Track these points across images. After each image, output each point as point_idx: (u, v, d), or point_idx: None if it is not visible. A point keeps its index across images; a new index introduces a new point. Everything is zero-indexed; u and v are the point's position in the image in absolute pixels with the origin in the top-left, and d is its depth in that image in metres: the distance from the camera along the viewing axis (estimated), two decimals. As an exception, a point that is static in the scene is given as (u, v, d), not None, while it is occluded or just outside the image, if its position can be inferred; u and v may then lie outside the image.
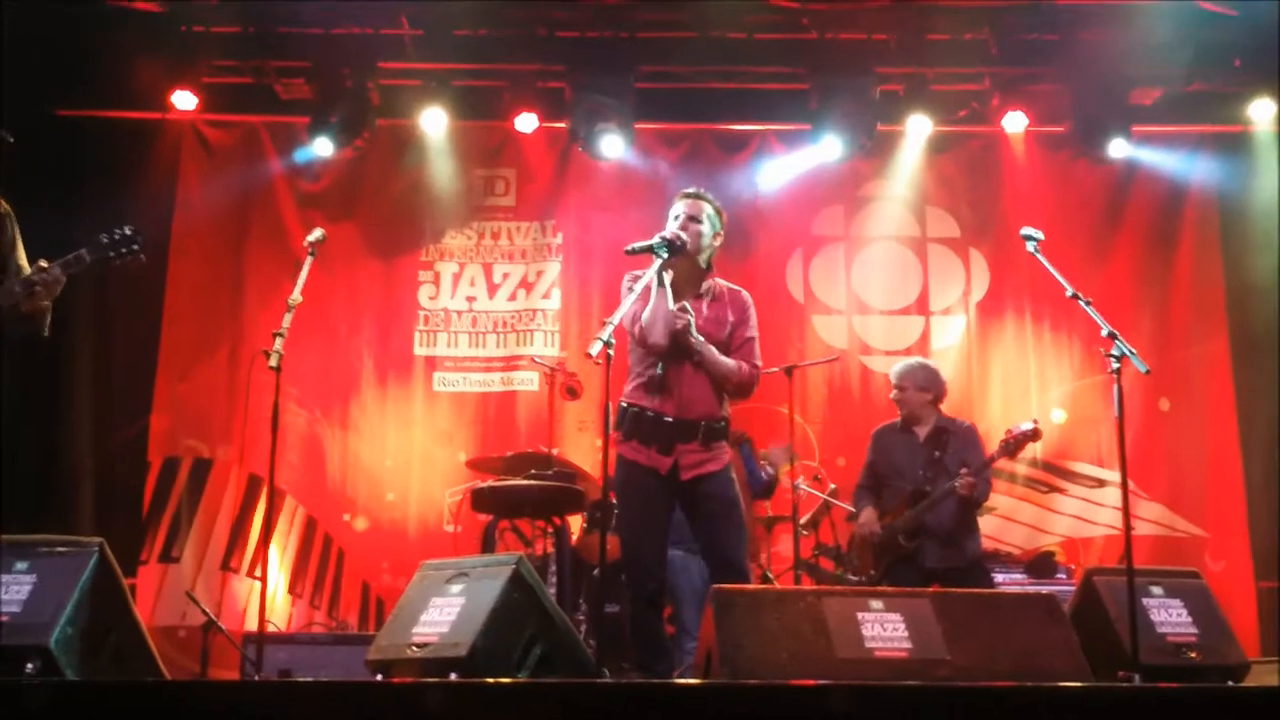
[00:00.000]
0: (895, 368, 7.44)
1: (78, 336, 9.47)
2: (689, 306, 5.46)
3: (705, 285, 5.62)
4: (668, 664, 5.42)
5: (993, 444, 7.22)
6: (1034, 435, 7.05)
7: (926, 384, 7.21)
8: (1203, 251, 10.16)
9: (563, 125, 9.88)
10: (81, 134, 9.64)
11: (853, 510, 7.50)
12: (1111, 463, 9.58)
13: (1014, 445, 7.06)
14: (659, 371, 5.41)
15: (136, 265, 5.58)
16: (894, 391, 7.28)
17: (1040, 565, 8.53)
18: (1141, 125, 9.88)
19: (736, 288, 5.75)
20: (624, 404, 5.53)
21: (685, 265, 5.54)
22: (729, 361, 5.49)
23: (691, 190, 5.75)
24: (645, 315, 5.38)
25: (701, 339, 5.43)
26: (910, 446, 7.15)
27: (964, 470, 6.83)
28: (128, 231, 5.51)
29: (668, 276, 5.42)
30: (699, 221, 5.58)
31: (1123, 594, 5.08)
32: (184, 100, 9.67)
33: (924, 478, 6.99)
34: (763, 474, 7.89)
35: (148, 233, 5.64)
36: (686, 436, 5.41)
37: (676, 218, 5.60)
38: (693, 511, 5.57)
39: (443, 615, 4.97)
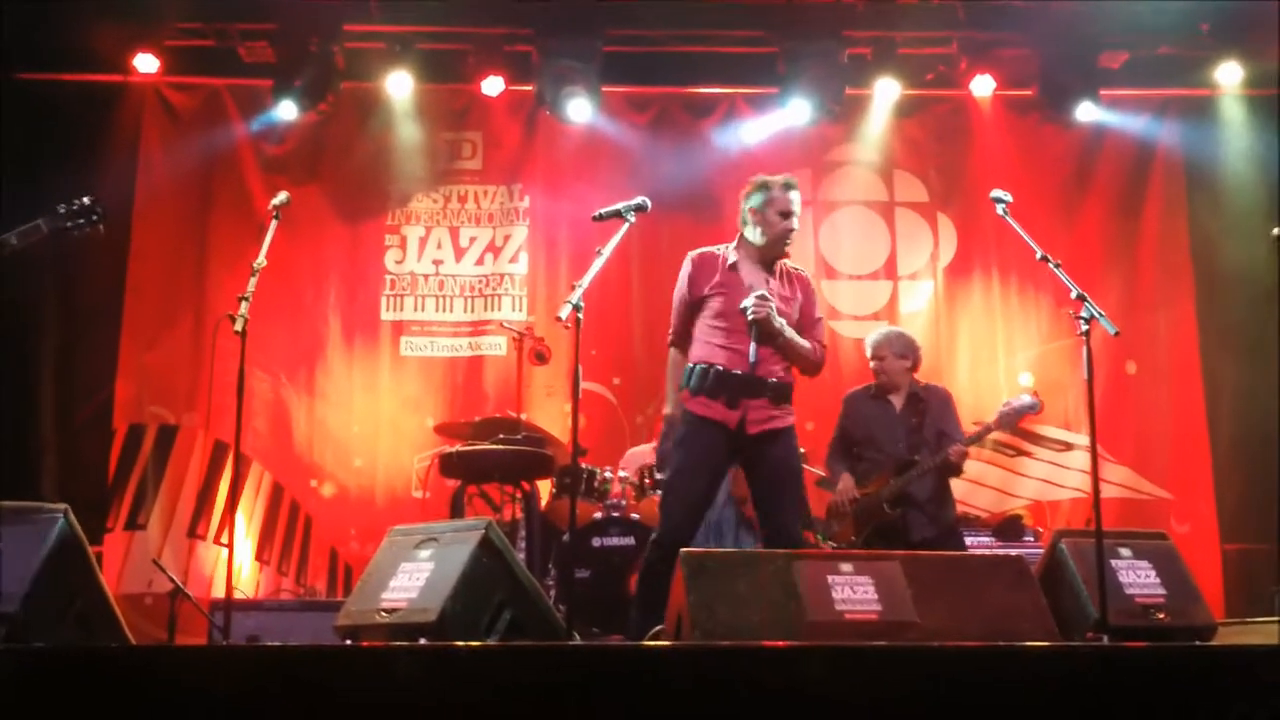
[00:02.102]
0: (872, 337, 7.32)
1: (41, 302, 9.37)
2: (768, 294, 5.60)
3: (777, 266, 5.80)
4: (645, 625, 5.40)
5: (975, 414, 7.16)
6: (1035, 408, 6.98)
7: (905, 351, 7.13)
8: (1169, 215, 10.20)
9: (529, 89, 9.83)
10: (41, 97, 9.49)
11: (823, 475, 7.46)
12: (1078, 426, 9.64)
13: (1012, 418, 6.99)
14: (726, 329, 5.59)
15: (95, 236, 5.52)
16: (873, 361, 7.17)
17: (1008, 528, 8.55)
18: (1109, 89, 9.91)
19: (800, 268, 5.94)
20: (690, 366, 5.66)
21: (770, 255, 5.80)
22: (805, 343, 5.69)
23: (790, 179, 5.97)
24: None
25: (783, 322, 5.60)
26: (886, 416, 7.07)
27: (954, 447, 6.79)
28: (86, 202, 5.46)
29: (751, 301, 5.58)
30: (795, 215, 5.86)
31: (1091, 556, 5.10)
32: (146, 63, 9.57)
33: (903, 449, 6.94)
34: None
35: (110, 197, 5.60)
36: (755, 392, 5.54)
37: (787, 216, 5.83)
38: (755, 473, 5.69)
39: (412, 581, 4.96)
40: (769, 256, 5.79)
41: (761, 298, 5.55)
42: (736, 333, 5.59)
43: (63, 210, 5.40)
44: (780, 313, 5.62)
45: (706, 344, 5.67)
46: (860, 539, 6.96)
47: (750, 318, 5.54)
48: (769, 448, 5.56)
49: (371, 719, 3.40)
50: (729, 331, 5.60)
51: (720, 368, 5.56)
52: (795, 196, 5.85)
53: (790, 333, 5.62)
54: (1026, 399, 6.96)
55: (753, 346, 5.54)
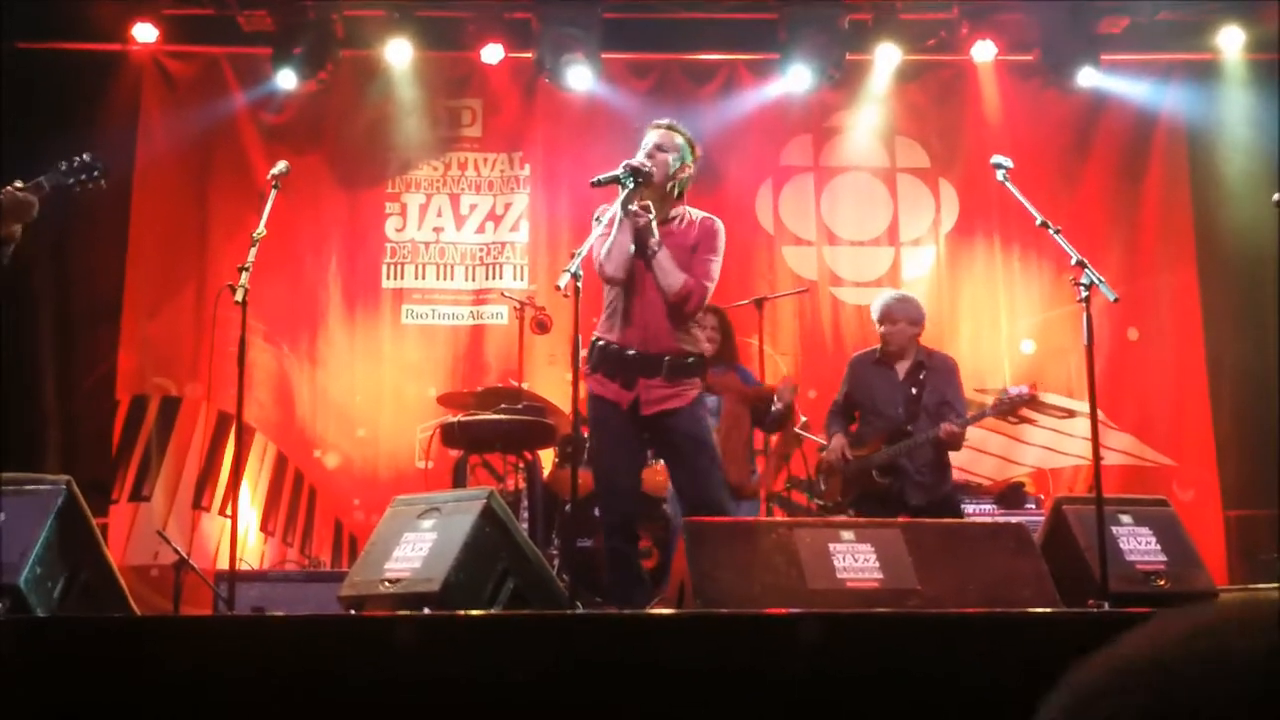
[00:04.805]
0: (880, 301, 7.19)
1: (41, 274, 9.36)
2: (651, 206, 5.40)
3: (673, 212, 5.54)
4: (644, 595, 5.43)
5: (976, 381, 7.12)
6: (1030, 401, 6.95)
7: (916, 317, 7.00)
8: (1171, 180, 10.19)
9: (529, 56, 9.81)
10: (40, 67, 9.48)
11: (824, 442, 7.45)
12: (1081, 393, 9.61)
13: (1007, 407, 6.92)
14: (621, 302, 5.39)
15: (98, 192, 5.52)
16: (883, 325, 7.02)
17: (1010, 496, 8.55)
18: (1110, 54, 9.90)
19: (709, 215, 5.64)
20: (594, 337, 5.51)
21: (652, 194, 5.46)
22: (678, 271, 5.35)
23: (664, 121, 5.69)
24: (604, 248, 5.33)
25: (658, 238, 5.35)
26: (889, 383, 6.98)
27: (951, 420, 6.72)
28: (87, 158, 5.45)
29: (634, 206, 5.37)
30: (666, 151, 5.51)
31: (1092, 523, 5.10)
32: (144, 32, 9.58)
33: (902, 416, 6.89)
34: (773, 407, 7.23)
35: (110, 167, 5.58)
36: (649, 371, 5.35)
37: (645, 147, 5.54)
38: (662, 449, 5.65)
39: (415, 551, 4.97)
40: (654, 199, 5.45)
41: (644, 205, 5.35)
42: (624, 300, 5.40)
43: (64, 167, 5.40)
44: (671, 245, 5.38)
45: (605, 316, 5.50)
46: (848, 501, 6.95)
47: (631, 224, 5.32)
48: (668, 422, 5.38)
49: (376, 689, 3.41)
50: (618, 300, 5.43)
51: (614, 346, 5.39)
52: (656, 133, 5.55)
53: (665, 253, 5.33)
54: (1022, 389, 6.91)
55: (629, 241, 5.32)
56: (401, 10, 9.72)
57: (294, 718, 3.38)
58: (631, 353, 5.36)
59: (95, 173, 5.46)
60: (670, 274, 5.34)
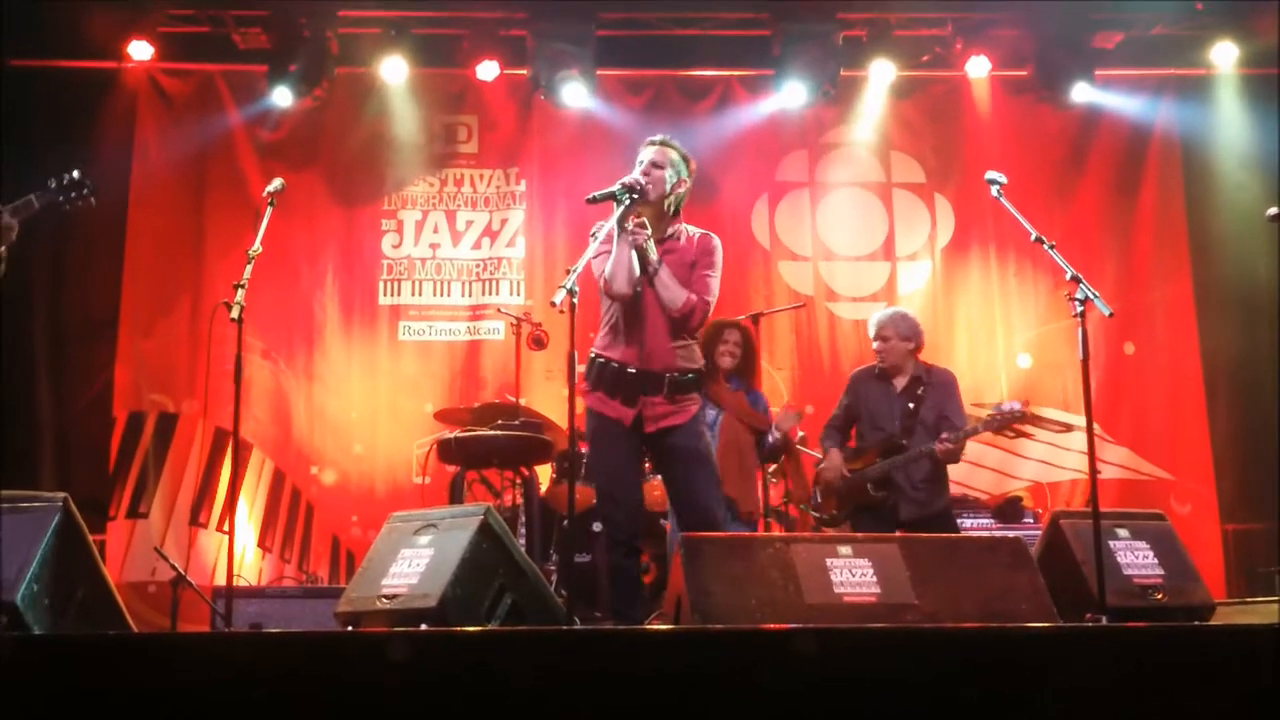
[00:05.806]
0: (876, 317, 7.24)
1: (38, 291, 9.37)
2: (647, 222, 5.39)
3: (671, 230, 5.53)
4: (645, 610, 5.41)
5: (973, 396, 7.13)
6: (1022, 417, 6.97)
7: (910, 334, 7.05)
8: (1166, 195, 10.21)
9: (524, 73, 9.82)
10: (37, 85, 9.48)
11: (820, 456, 7.44)
12: (1077, 407, 9.63)
13: (1000, 423, 6.93)
14: (620, 320, 5.37)
15: (88, 209, 5.53)
16: (876, 342, 7.09)
17: (1007, 510, 8.55)
18: (1104, 69, 9.94)
19: (706, 232, 5.63)
20: (592, 354, 5.49)
21: (650, 212, 5.46)
22: (679, 288, 5.36)
23: (658, 137, 5.66)
24: (608, 266, 5.33)
25: (658, 257, 5.36)
26: (887, 396, 7.03)
27: (944, 436, 6.73)
28: (76, 176, 5.46)
29: (631, 224, 5.36)
30: (661, 168, 5.49)
31: (1089, 537, 5.11)
32: (140, 50, 9.60)
33: (899, 429, 6.91)
34: (770, 437, 7.24)
35: (106, 185, 5.60)
36: (651, 389, 5.34)
37: (641, 164, 5.53)
38: (660, 463, 5.58)
39: (412, 567, 4.97)
40: (650, 217, 5.45)
41: (640, 224, 5.34)
42: (624, 317, 5.40)
43: (53, 185, 5.41)
44: (672, 263, 5.39)
45: (604, 333, 5.49)
46: (844, 515, 6.98)
47: (630, 242, 5.29)
48: (668, 438, 5.38)
49: (373, 705, 3.41)
50: (617, 318, 5.42)
51: (615, 364, 5.38)
52: (651, 150, 5.55)
53: (666, 270, 5.36)
54: (1014, 405, 6.94)
55: (633, 257, 5.30)
56: (397, 28, 9.73)
57: (291, 734, 3.37)
58: (632, 370, 5.35)
59: (85, 189, 5.47)
60: (672, 290, 5.35)
